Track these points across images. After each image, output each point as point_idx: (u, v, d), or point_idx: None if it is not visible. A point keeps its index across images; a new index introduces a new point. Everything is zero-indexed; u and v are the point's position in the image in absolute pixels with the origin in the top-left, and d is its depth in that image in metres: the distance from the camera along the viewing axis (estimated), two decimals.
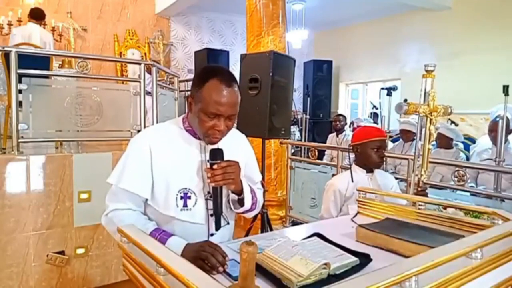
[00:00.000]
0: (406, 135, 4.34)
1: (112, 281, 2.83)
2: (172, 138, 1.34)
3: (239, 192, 1.35)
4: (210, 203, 1.33)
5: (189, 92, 1.35)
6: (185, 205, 1.31)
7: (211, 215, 1.33)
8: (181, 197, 1.30)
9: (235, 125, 1.47)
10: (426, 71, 1.73)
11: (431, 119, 1.71)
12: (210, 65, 1.45)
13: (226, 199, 1.39)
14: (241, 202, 1.38)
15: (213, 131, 1.26)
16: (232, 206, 1.40)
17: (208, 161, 1.30)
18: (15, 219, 2.49)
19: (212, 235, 1.36)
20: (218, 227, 1.33)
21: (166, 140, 1.33)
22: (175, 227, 1.31)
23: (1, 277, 2.46)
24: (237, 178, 1.30)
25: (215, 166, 1.25)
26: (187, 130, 1.36)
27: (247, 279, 0.76)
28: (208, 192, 1.33)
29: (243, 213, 1.43)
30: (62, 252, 2.65)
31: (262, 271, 1.03)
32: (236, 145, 1.45)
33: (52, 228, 2.61)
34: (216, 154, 1.28)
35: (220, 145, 1.33)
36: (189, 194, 1.31)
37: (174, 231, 1.30)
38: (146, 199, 1.33)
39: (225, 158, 1.30)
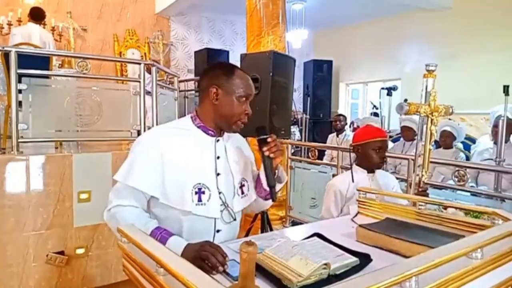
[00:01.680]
0: (407, 133, 4.30)
1: (112, 281, 2.83)
2: (183, 136, 1.38)
3: (276, 168, 1.43)
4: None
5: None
6: (199, 200, 1.33)
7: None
8: (196, 193, 1.33)
9: None
10: (428, 70, 1.73)
11: (432, 119, 1.71)
12: (224, 61, 1.55)
13: (233, 195, 1.43)
14: (277, 179, 1.45)
15: (244, 115, 1.40)
16: (273, 183, 1.43)
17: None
18: (15, 219, 2.48)
19: (218, 231, 1.39)
20: (274, 197, 1.41)
21: (176, 138, 1.37)
22: (184, 224, 1.34)
23: (1, 277, 2.46)
24: (283, 150, 1.38)
25: (269, 139, 1.37)
26: (199, 127, 1.41)
27: (247, 279, 0.76)
28: (217, 188, 1.38)
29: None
30: (62, 252, 2.64)
31: (262, 271, 1.03)
32: (240, 146, 1.53)
33: (52, 228, 2.61)
34: (263, 130, 1.39)
35: (227, 145, 1.44)
36: (203, 189, 1.34)
37: (182, 228, 1.33)
38: (151, 197, 1.34)
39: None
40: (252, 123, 2.71)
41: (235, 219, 1.43)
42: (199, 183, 1.34)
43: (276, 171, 1.44)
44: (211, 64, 1.47)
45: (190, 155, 1.35)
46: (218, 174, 1.39)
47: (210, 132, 1.41)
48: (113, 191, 1.36)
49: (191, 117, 1.44)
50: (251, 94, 1.41)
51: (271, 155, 1.36)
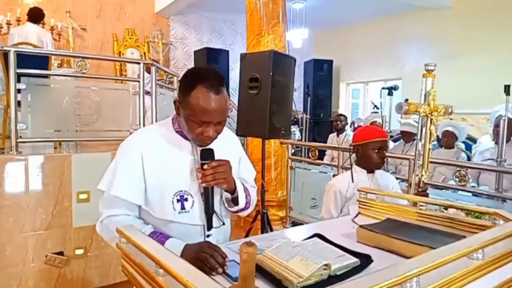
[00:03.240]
0: (407, 136, 4.35)
1: (111, 282, 2.82)
2: (162, 142, 1.32)
3: (232, 191, 1.35)
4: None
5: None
6: (182, 207, 1.29)
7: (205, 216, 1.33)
8: (178, 200, 1.29)
9: (234, 125, 1.46)
10: (427, 70, 1.73)
11: (431, 119, 1.70)
12: (197, 68, 1.41)
13: (220, 199, 1.39)
14: (235, 201, 1.37)
15: (202, 137, 1.25)
16: (226, 205, 1.40)
17: (199, 161, 1.30)
18: (13, 220, 2.48)
19: (208, 236, 1.35)
20: (210, 227, 1.33)
21: (156, 144, 1.31)
22: (172, 230, 1.30)
23: (0, 278, 2.45)
24: (228, 177, 1.30)
25: (205, 166, 1.25)
26: (177, 132, 1.34)
27: (247, 280, 0.75)
28: (202, 194, 1.32)
29: (237, 212, 1.43)
30: (61, 253, 2.64)
31: (262, 272, 1.02)
32: (227, 144, 1.44)
33: (51, 229, 2.60)
34: (207, 155, 1.28)
35: (211, 145, 1.31)
36: (185, 196, 1.30)
37: (171, 234, 1.29)
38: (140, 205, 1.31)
39: (217, 157, 1.29)
40: (252, 123, 2.72)
41: (224, 223, 1.39)
42: (181, 191, 1.29)
43: (236, 193, 1.35)
44: (190, 69, 1.31)
45: (170, 163, 1.30)
46: None
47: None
48: (102, 201, 1.31)
49: (172, 120, 1.36)
50: (206, 122, 1.21)
51: (203, 184, 1.26)
